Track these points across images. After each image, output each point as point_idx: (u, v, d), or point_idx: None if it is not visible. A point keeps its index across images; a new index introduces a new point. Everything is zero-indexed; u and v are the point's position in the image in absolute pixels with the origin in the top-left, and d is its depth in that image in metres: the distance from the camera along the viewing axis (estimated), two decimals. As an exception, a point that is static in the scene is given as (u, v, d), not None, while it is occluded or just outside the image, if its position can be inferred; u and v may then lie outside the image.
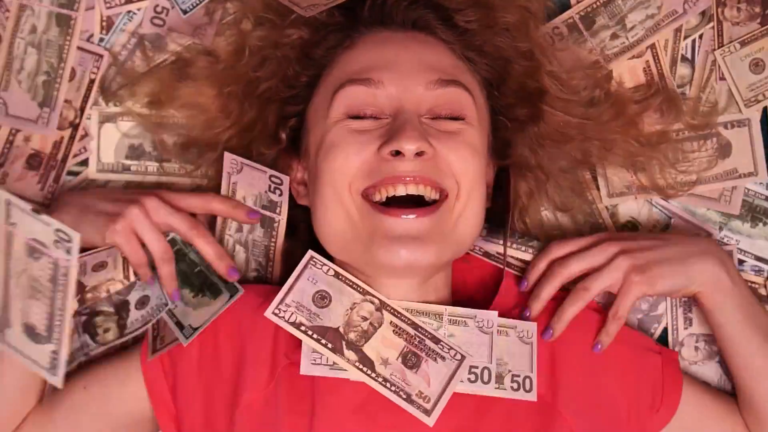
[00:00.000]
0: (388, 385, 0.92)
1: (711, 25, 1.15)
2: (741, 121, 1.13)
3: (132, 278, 1.02)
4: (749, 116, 1.13)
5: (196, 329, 0.97)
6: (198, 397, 0.99)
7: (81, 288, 1.01)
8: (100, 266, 1.01)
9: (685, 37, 1.15)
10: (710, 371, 1.12)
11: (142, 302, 1.01)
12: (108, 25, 1.14)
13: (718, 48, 1.14)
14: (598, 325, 1.02)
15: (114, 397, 1.03)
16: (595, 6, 1.14)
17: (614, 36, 1.14)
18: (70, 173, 1.14)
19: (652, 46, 1.15)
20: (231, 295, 1.00)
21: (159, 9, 1.13)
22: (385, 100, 0.96)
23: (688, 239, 1.06)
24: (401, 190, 0.93)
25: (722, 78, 1.15)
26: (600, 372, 1.00)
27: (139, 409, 1.02)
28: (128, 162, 1.15)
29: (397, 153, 0.92)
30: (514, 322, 0.98)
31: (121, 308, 1.02)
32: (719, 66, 1.14)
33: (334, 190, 0.94)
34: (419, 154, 0.92)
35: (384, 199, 0.93)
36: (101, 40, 1.14)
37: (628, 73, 1.15)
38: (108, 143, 1.15)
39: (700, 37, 1.16)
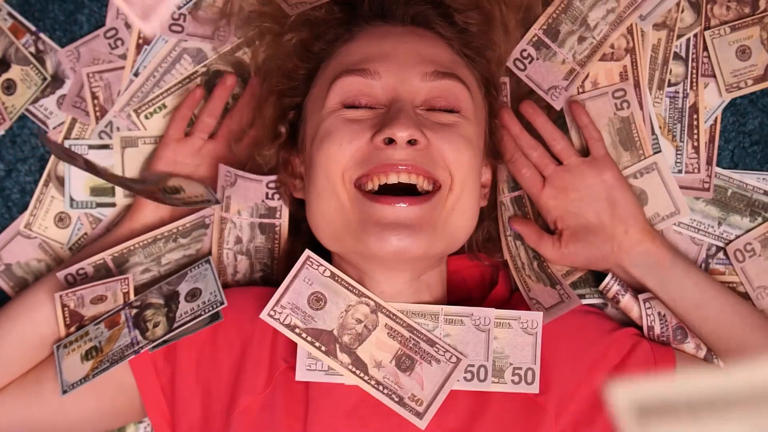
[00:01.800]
0: (380, 388, 0.93)
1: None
2: (648, 167, 1.12)
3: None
4: (655, 160, 1.12)
5: (165, 341, 0.98)
6: (196, 400, 1.00)
7: (79, 317, 1.03)
8: (99, 300, 1.03)
9: (679, 36, 1.15)
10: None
11: (193, 294, 1.01)
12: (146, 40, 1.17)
13: (707, 29, 1.14)
14: (592, 329, 1.03)
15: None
16: (554, 16, 1.12)
17: (581, 39, 1.13)
18: (101, 205, 1.17)
19: (632, 51, 1.13)
20: (210, 321, 0.99)
21: (176, 16, 1.15)
22: (381, 90, 0.96)
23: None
24: (393, 179, 0.93)
25: (710, 74, 1.15)
26: (591, 371, 0.99)
27: (129, 383, 1.02)
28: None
29: (390, 141, 0.92)
30: (517, 313, 0.98)
31: (171, 299, 1.02)
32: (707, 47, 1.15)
33: (328, 179, 0.95)
34: (412, 143, 0.92)
35: (376, 188, 0.93)
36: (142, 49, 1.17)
37: (604, 74, 1.14)
38: (132, 168, 1.16)
39: (695, 36, 1.15)
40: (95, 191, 1.17)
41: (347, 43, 1.03)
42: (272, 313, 0.94)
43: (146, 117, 1.16)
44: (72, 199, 1.16)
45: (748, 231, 1.14)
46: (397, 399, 0.93)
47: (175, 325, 0.99)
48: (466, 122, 0.98)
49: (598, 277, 1.11)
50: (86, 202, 1.17)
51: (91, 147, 1.16)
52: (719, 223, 1.15)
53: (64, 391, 0.99)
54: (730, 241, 1.14)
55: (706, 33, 1.14)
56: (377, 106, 0.97)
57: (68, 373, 1.00)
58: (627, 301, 1.07)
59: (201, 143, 1.12)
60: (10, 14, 1.16)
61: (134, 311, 1.02)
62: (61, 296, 1.03)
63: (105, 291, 1.03)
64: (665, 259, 1.05)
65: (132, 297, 1.03)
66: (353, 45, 1.02)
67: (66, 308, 1.03)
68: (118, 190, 1.16)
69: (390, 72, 0.97)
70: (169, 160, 1.11)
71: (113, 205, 1.16)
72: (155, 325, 1.00)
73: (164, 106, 1.16)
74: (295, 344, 0.95)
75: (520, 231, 1.08)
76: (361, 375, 0.93)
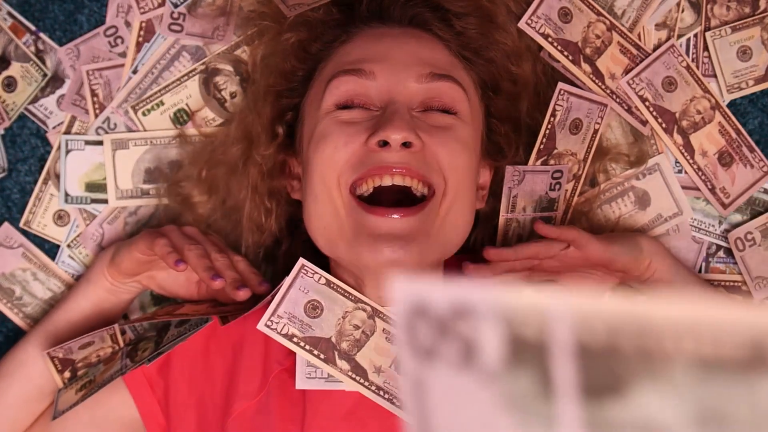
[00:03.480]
0: (381, 393, 0.93)
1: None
2: (650, 169, 1.13)
3: (122, 344, 1.05)
4: (657, 161, 1.12)
5: (159, 353, 0.98)
6: (191, 410, 1.00)
7: (70, 362, 1.04)
8: (87, 345, 1.05)
9: (679, 36, 1.14)
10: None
11: (182, 322, 1.02)
12: (147, 30, 1.16)
13: (707, 30, 1.14)
14: None
15: (104, 405, 1.04)
16: (581, 10, 1.13)
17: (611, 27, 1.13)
18: (96, 201, 1.16)
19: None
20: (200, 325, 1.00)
21: (176, 15, 1.15)
22: (376, 91, 0.96)
23: None
24: (387, 181, 0.93)
25: (711, 74, 1.14)
26: None
27: (129, 416, 1.03)
28: (146, 186, 1.16)
29: (385, 144, 0.92)
30: None
31: (163, 330, 1.04)
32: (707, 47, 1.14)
33: (324, 183, 0.94)
34: (407, 145, 0.92)
35: (371, 190, 0.93)
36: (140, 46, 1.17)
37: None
38: (123, 169, 1.16)
39: (695, 36, 1.15)
40: (90, 187, 1.17)
41: (344, 44, 1.02)
42: (269, 323, 0.94)
43: (144, 114, 1.16)
44: (67, 194, 1.16)
45: (749, 220, 1.14)
46: (399, 404, 0.93)
47: (161, 347, 1.00)
48: (462, 125, 0.97)
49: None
50: (81, 197, 1.16)
51: (87, 143, 1.16)
52: (720, 222, 1.15)
53: (54, 417, 1.01)
54: (731, 230, 1.14)
55: (708, 33, 1.14)
56: (372, 108, 0.96)
57: (61, 402, 1.02)
58: None
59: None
60: (10, 14, 1.16)
61: (129, 348, 1.04)
62: (48, 353, 1.04)
63: (92, 338, 1.05)
64: (662, 282, 1.05)
65: (119, 338, 1.05)
66: (350, 46, 1.02)
67: (55, 359, 1.04)
68: (111, 187, 1.15)
69: (386, 73, 0.96)
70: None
71: (106, 201, 1.16)
72: (144, 350, 1.01)
73: (162, 103, 1.16)
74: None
75: None
76: (361, 381, 0.93)
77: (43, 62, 1.17)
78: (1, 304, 1.17)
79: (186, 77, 1.16)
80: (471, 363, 0.35)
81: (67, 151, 1.16)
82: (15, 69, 1.16)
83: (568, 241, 1.00)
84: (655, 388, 0.32)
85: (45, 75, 1.16)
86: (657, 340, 0.31)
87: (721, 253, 1.15)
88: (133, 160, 1.16)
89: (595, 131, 1.09)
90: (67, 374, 1.04)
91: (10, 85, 1.16)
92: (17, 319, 1.16)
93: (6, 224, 1.17)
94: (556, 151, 1.07)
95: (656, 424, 0.32)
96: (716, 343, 0.31)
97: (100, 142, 1.15)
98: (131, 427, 1.04)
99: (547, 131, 1.06)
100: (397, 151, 0.91)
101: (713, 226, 1.15)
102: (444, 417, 0.36)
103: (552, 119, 1.05)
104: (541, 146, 1.06)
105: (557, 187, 1.05)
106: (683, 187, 1.13)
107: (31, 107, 1.17)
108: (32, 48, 1.16)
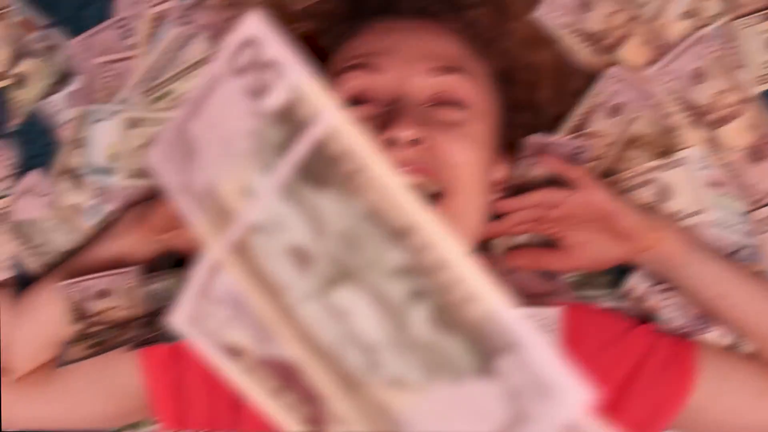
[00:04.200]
0: None
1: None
2: (677, 162, 1.09)
3: (140, 313, 1.05)
4: (684, 155, 1.09)
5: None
6: (203, 396, 0.99)
7: (84, 313, 1.04)
8: (103, 294, 1.04)
9: (705, 26, 1.09)
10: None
11: None
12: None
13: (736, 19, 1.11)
14: (608, 330, 1.02)
15: (113, 368, 1.03)
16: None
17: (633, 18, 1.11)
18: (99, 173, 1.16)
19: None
20: None
21: (185, 8, 1.13)
22: (384, 86, 0.93)
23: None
24: None
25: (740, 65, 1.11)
26: (607, 374, 0.97)
27: (137, 386, 1.02)
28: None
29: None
30: (533, 311, 0.94)
31: None
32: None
33: None
34: (415, 141, 0.89)
35: None
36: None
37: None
38: (129, 147, 1.15)
39: (722, 25, 1.10)
40: (114, 158, 1.16)
41: (352, 39, 1.00)
42: None
43: (152, 102, 1.15)
44: (92, 165, 1.16)
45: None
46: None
47: None
48: (474, 120, 0.95)
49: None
50: (105, 168, 1.16)
51: (114, 113, 1.15)
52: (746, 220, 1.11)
53: (59, 365, 1.02)
54: (755, 210, 1.11)
55: (737, 22, 1.10)
56: (380, 103, 0.93)
57: (68, 354, 1.03)
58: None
59: None
60: (20, 9, 1.15)
61: (146, 319, 1.04)
62: (64, 285, 1.03)
63: (108, 285, 1.04)
64: (676, 258, 1.02)
65: (138, 299, 1.05)
66: (358, 39, 0.99)
67: (71, 301, 1.04)
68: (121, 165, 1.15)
69: (394, 67, 0.94)
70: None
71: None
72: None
73: (171, 92, 1.15)
74: None
75: (520, 266, 1.05)
76: None
77: (54, 58, 1.16)
78: (21, 248, 1.16)
79: (197, 65, 1.14)
80: (254, 97, 0.47)
81: (94, 121, 1.15)
82: (26, 65, 1.16)
83: (572, 179, 0.99)
84: (336, 199, 0.46)
85: (56, 72, 1.16)
86: (358, 177, 0.45)
87: (745, 251, 1.12)
88: (140, 140, 1.15)
89: (632, 119, 1.07)
90: (79, 326, 1.04)
91: (21, 81, 1.16)
92: (33, 267, 1.16)
93: (37, 171, 1.16)
94: (588, 130, 1.05)
95: (320, 216, 0.46)
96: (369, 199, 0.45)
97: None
98: (136, 395, 1.02)
99: (586, 110, 1.04)
100: (406, 148, 0.89)
101: (739, 224, 1.11)
102: (211, 112, 0.49)
103: (594, 99, 1.04)
104: (575, 123, 1.05)
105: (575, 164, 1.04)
106: (710, 184, 1.10)
107: (41, 103, 1.16)
108: (43, 44, 1.16)
